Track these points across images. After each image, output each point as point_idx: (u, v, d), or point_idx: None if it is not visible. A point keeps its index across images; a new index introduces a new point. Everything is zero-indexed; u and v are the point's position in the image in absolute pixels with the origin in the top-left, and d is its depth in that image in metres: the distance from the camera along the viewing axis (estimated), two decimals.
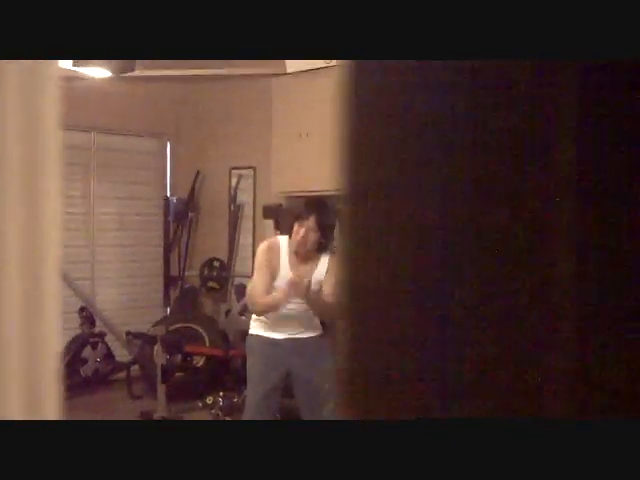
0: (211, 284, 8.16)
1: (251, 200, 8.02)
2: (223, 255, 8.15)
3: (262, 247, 4.58)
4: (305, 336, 4.66)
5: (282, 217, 6.11)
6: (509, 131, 0.42)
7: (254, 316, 4.75)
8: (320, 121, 5.65)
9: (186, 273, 8.32)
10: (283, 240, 4.58)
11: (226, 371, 7.47)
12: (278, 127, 6.81)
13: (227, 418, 6.44)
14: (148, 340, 7.12)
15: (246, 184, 8.04)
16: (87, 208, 7.70)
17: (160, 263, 8.00)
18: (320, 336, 4.70)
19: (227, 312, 7.91)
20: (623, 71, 0.41)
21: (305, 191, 5.93)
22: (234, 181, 8.13)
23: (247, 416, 4.66)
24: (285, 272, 4.48)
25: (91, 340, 7.47)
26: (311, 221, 4.42)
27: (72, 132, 7.38)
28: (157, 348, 6.75)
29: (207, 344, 7.37)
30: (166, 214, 8.05)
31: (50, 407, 0.69)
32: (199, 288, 8.22)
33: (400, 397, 0.46)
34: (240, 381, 7.24)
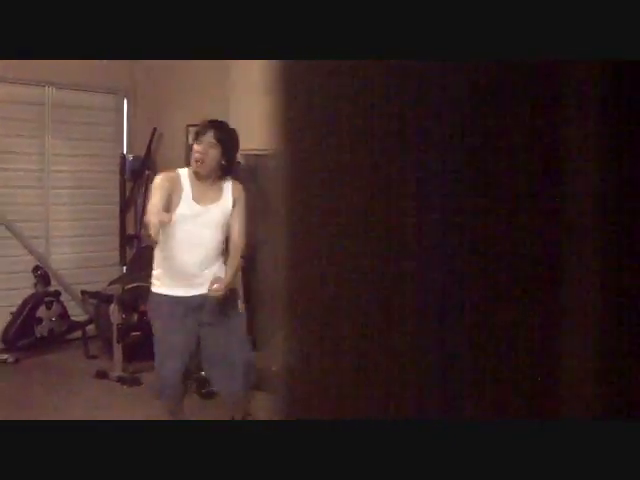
0: None
1: None
2: None
3: (158, 177, 4.35)
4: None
5: (240, 174, 6.05)
6: (520, 132, 0.42)
7: (155, 271, 4.48)
8: None
9: (142, 232, 8.24)
10: (183, 171, 4.36)
11: None
12: (236, 83, 6.74)
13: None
14: (104, 299, 7.08)
15: None
16: (42, 165, 7.58)
17: (116, 222, 7.92)
18: (231, 291, 4.53)
19: None
20: None
21: (263, 149, 5.87)
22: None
23: (160, 391, 4.54)
24: (188, 200, 4.28)
25: (46, 299, 7.39)
26: (209, 136, 4.28)
27: (26, 86, 7.24)
28: (113, 307, 6.71)
29: None
30: (122, 172, 7.96)
31: None
32: (154, 244, 8.16)
33: (397, 397, 0.45)
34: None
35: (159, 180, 4.26)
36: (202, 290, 4.35)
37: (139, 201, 8.22)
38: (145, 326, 7.22)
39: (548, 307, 0.41)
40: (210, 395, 5.99)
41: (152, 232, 4.08)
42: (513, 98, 0.41)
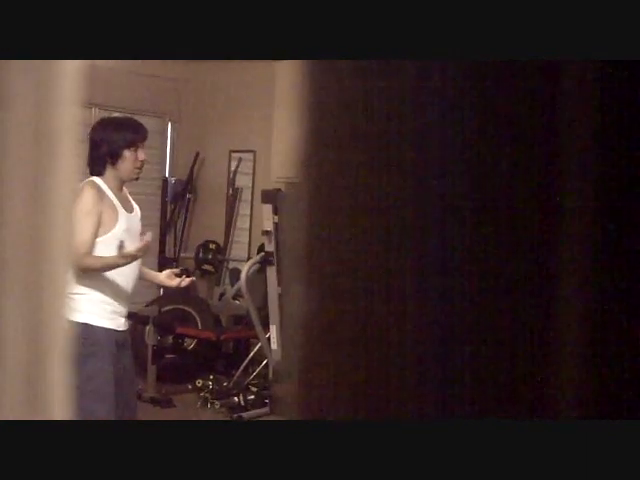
0: (206, 267, 8.15)
1: (250, 184, 8.01)
2: (219, 238, 8.14)
3: (88, 189, 3.59)
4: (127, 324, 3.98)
5: (280, 202, 6.07)
6: (520, 132, 0.42)
7: (86, 295, 3.64)
8: None
9: (181, 255, 8.30)
10: (97, 180, 3.69)
11: (217, 355, 7.48)
12: (280, 111, 6.79)
13: (216, 402, 6.43)
14: (140, 320, 7.12)
15: (246, 168, 8.02)
16: None
17: (156, 244, 7.98)
18: None
19: (221, 295, 7.90)
20: None
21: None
22: (234, 164, 8.11)
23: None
24: (123, 214, 3.71)
25: None
26: (144, 142, 3.82)
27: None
28: (149, 329, 6.75)
29: (199, 327, 7.36)
30: (164, 195, 8.04)
31: (56, 404, 0.66)
32: (193, 270, 8.21)
33: (395, 398, 0.45)
34: (231, 365, 7.27)
35: (93, 197, 3.60)
36: None
37: (179, 224, 8.29)
38: (180, 348, 7.26)
39: (548, 307, 0.42)
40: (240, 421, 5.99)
41: (80, 268, 3.50)
42: (511, 97, 0.42)
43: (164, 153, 8.36)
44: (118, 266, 3.61)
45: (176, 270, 4.32)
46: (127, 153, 3.72)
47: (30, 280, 0.63)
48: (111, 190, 3.71)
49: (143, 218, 4.04)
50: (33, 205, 0.61)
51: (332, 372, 0.48)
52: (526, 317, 0.42)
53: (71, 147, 0.64)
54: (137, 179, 3.91)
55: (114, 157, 3.71)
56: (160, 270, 7.94)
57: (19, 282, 0.62)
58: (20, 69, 0.60)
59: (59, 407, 0.67)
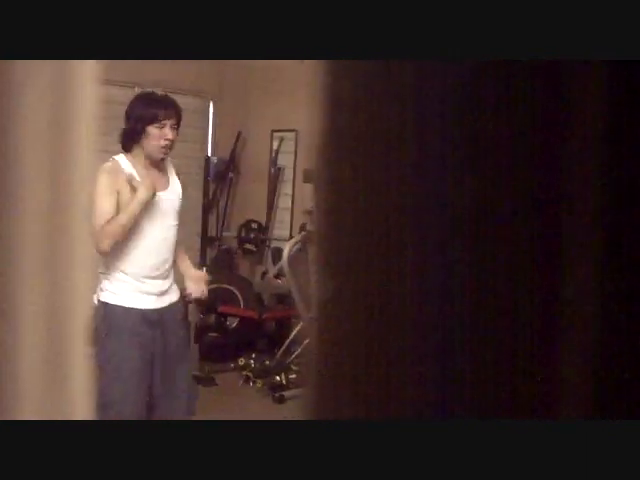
0: (248, 246, 8.20)
1: (292, 164, 8.01)
2: (261, 218, 8.16)
3: (101, 172, 3.48)
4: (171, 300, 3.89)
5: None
6: (527, 134, 0.41)
7: (104, 274, 3.62)
8: None
9: (224, 234, 8.35)
10: (121, 159, 3.62)
11: (259, 333, 7.52)
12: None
13: (258, 381, 6.48)
14: (182, 299, 7.18)
15: (287, 147, 8.02)
16: None
17: (198, 223, 8.03)
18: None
19: (263, 274, 7.94)
20: None
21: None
22: (275, 144, 8.12)
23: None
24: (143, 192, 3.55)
25: None
26: (172, 120, 3.62)
27: (114, 87, 7.39)
28: (191, 307, 6.80)
29: (241, 306, 7.41)
30: (206, 174, 8.07)
31: (80, 403, 0.67)
32: (236, 249, 8.25)
33: (397, 396, 0.45)
34: (272, 344, 7.31)
35: (106, 180, 3.51)
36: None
37: (221, 203, 8.33)
38: (222, 327, 7.32)
39: (549, 307, 0.41)
40: (282, 400, 6.03)
41: (101, 247, 3.46)
42: (515, 98, 0.41)
43: (206, 132, 8.39)
44: (135, 214, 3.50)
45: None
46: (152, 130, 3.57)
47: (51, 263, 0.63)
48: (136, 168, 3.59)
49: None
50: (52, 188, 0.62)
51: (334, 370, 0.48)
52: (526, 317, 0.41)
53: (90, 126, 0.64)
54: (163, 159, 3.72)
55: (138, 133, 3.58)
56: (202, 249, 8.01)
57: (40, 265, 0.63)
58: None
59: (81, 396, 0.67)
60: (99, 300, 3.53)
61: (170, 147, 3.66)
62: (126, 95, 7.62)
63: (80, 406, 0.69)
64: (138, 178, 3.56)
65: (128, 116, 3.65)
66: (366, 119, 0.45)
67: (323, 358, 0.49)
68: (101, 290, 3.56)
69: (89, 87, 0.65)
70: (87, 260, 0.67)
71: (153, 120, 3.56)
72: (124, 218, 3.49)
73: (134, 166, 3.60)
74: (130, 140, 3.62)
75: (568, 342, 0.41)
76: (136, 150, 3.63)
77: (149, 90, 3.91)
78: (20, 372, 0.66)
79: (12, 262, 0.64)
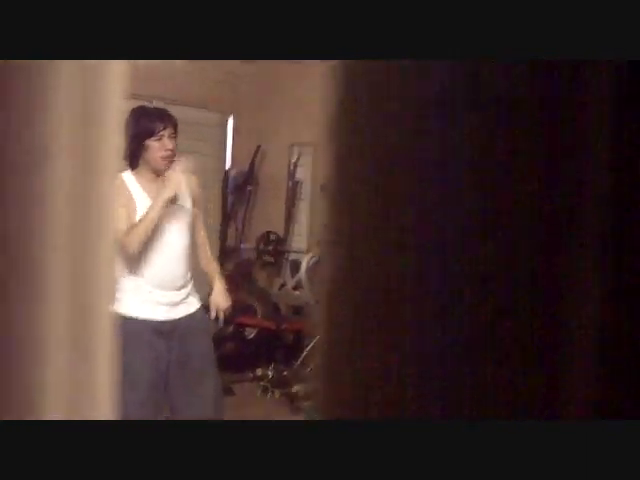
0: (266, 258, 8.20)
1: (309, 177, 8.03)
2: (279, 230, 8.19)
3: (115, 187, 3.23)
4: (187, 312, 3.84)
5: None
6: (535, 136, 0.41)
7: (126, 284, 3.64)
8: None
9: (242, 246, 8.37)
10: (126, 176, 3.62)
11: (277, 344, 7.52)
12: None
13: (276, 391, 6.49)
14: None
15: (305, 161, 8.04)
16: None
17: (217, 234, 8.06)
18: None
19: (281, 286, 7.94)
20: None
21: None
22: (294, 157, 8.14)
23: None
24: (144, 203, 3.59)
25: None
26: (170, 130, 3.64)
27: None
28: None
29: (259, 316, 7.41)
30: (225, 186, 8.11)
31: (104, 402, 0.66)
32: (254, 261, 8.27)
33: (397, 397, 0.45)
34: (290, 355, 7.29)
35: (119, 192, 3.51)
36: None
37: (240, 216, 8.36)
38: (240, 337, 7.31)
39: (550, 307, 0.41)
40: (299, 410, 6.03)
41: (128, 252, 3.51)
42: (526, 98, 0.41)
43: (224, 146, 8.44)
44: (157, 215, 3.51)
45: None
46: (151, 143, 3.59)
47: (75, 272, 0.63)
48: (140, 183, 3.61)
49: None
50: (76, 199, 0.61)
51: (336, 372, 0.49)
52: (528, 318, 0.41)
53: (114, 139, 0.64)
54: (165, 170, 3.65)
55: (139, 149, 3.60)
56: (221, 260, 8.02)
57: (64, 274, 0.62)
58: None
59: (104, 402, 0.67)
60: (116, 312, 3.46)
61: (172, 156, 3.65)
62: None
63: (104, 406, 0.70)
64: (143, 193, 3.59)
65: (126, 135, 3.57)
66: (375, 129, 0.46)
67: (328, 353, 0.49)
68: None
69: (117, 86, 0.65)
70: (113, 256, 0.67)
71: (151, 134, 3.59)
72: (149, 218, 3.51)
73: (138, 181, 3.63)
74: (133, 157, 3.63)
75: (568, 342, 0.41)
76: (141, 165, 3.65)
77: (142, 104, 3.85)
78: (47, 374, 0.67)
79: (40, 257, 0.64)
